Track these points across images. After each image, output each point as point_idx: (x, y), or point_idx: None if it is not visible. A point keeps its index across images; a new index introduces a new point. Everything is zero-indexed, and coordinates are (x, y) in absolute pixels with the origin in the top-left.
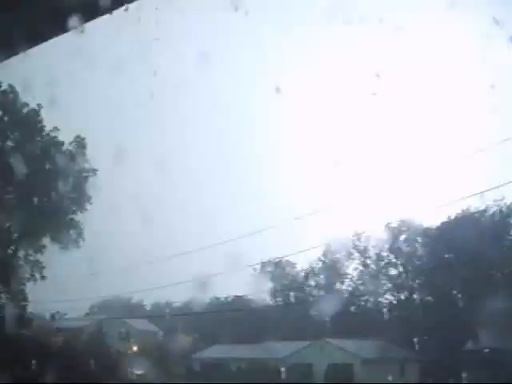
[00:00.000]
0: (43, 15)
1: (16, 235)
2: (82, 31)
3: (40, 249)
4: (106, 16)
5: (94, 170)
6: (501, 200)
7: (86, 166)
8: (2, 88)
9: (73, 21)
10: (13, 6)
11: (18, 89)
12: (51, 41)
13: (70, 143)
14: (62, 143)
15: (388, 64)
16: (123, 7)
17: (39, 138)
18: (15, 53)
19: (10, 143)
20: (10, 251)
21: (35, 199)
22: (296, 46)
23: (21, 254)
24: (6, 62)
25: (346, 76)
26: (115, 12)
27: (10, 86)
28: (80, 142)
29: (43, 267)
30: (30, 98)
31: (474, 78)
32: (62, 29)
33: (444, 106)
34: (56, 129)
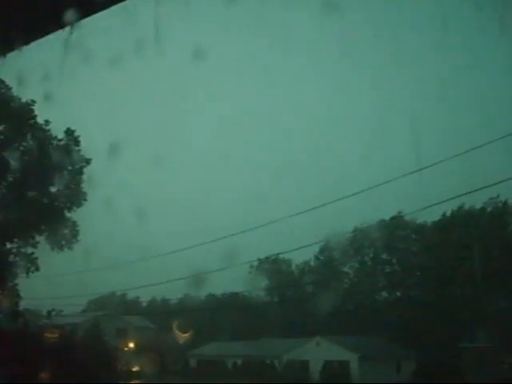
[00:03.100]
0: (39, 11)
1: (9, 232)
2: (79, 27)
3: (34, 244)
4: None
5: (88, 160)
6: (497, 197)
7: (80, 157)
8: None
9: (69, 17)
10: (9, 2)
11: (15, 85)
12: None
13: (62, 138)
14: (55, 137)
15: None
16: (120, 3)
17: (32, 132)
18: (12, 49)
19: (1, 137)
20: (2, 247)
21: (29, 195)
22: None
23: (14, 250)
24: (2, 58)
25: None
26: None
27: (0, 80)
28: (71, 135)
29: (36, 258)
30: (27, 94)
31: None
32: (59, 25)
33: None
34: (48, 122)
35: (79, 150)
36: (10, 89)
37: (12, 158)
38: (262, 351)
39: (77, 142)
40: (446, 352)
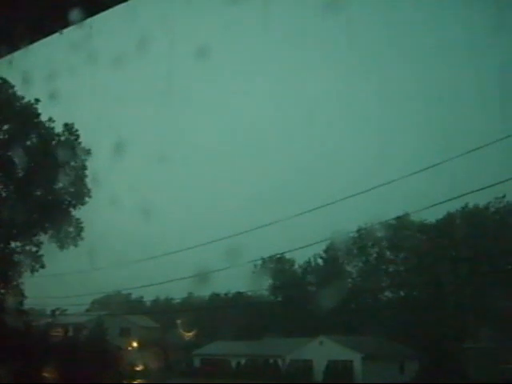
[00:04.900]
0: (44, 11)
1: (14, 230)
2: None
3: (39, 244)
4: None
5: (88, 151)
6: (502, 197)
7: (80, 150)
8: None
9: (74, 16)
10: (15, 1)
11: (20, 83)
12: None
13: (62, 132)
14: (58, 134)
15: None
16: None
17: (36, 131)
18: (17, 48)
19: (5, 136)
20: (7, 246)
21: (33, 193)
22: None
23: (18, 249)
24: (8, 56)
25: None
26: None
27: (2, 78)
28: (70, 129)
29: (41, 255)
30: (32, 93)
31: None
32: (64, 24)
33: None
34: (51, 120)
35: (79, 143)
36: (14, 88)
37: (17, 157)
38: (265, 351)
39: (76, 135)
40: (450, 352)
